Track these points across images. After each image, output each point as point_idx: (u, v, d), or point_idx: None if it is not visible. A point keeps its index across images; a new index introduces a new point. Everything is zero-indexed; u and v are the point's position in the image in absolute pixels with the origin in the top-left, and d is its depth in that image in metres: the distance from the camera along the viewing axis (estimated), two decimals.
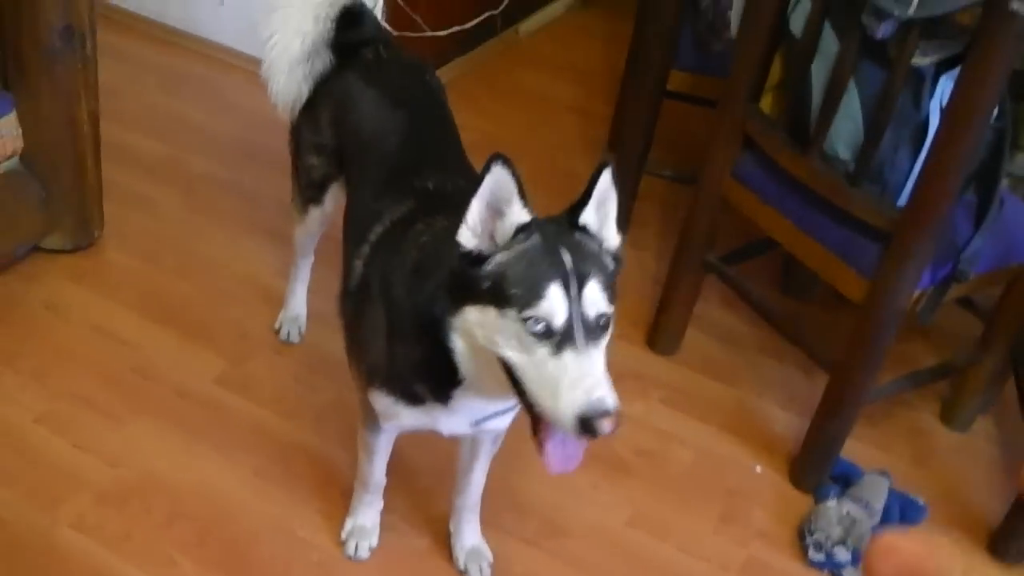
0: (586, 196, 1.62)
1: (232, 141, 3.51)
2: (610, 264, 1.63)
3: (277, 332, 2.75)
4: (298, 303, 2.75)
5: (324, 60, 2.29)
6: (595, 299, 1.54)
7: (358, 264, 1.96)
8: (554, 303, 1.51)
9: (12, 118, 2.67)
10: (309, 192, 2.43)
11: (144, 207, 3.15)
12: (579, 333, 1.51)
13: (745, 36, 2.46)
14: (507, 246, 1.58)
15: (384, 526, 2.28)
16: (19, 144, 2.71)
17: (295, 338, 2.74)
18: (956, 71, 2.10)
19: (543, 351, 1.52)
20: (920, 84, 2.24)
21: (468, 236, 1.60)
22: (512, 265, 1.56)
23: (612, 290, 1.58)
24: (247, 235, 3.09)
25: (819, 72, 2.30)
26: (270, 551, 2.24)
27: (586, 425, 1.48)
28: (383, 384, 1.87)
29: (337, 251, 2.77)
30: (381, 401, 1.90)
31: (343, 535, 2.26)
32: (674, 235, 2.84)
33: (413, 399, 1.84)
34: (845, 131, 2.30)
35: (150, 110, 3.60)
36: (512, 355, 1.55)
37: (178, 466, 2.39)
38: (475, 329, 1.60)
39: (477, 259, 1.59)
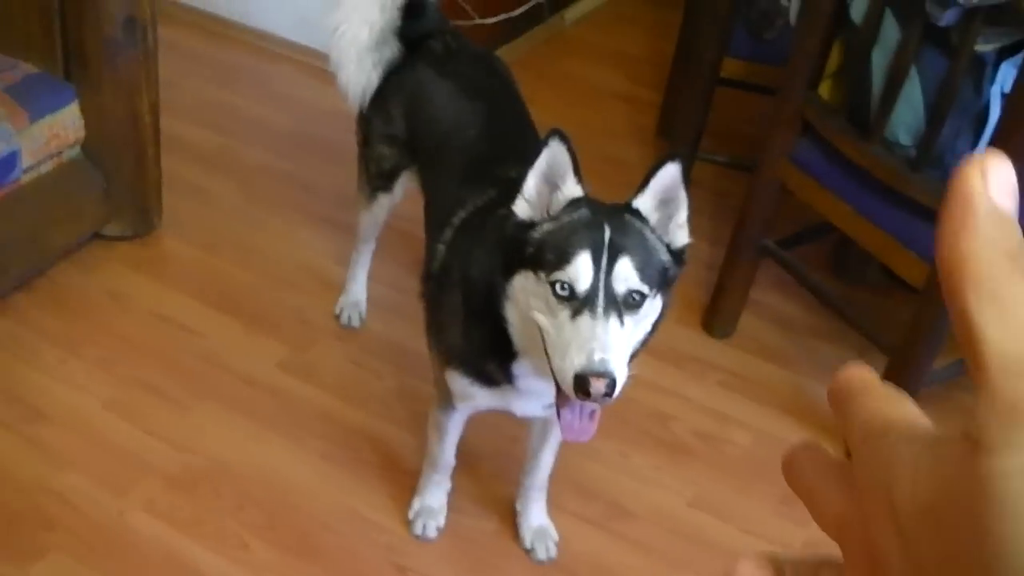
0: (644, 182, 1.66)
1: (286, 132, 3.55)
2: (662, 254, 1.66)
3: (338, 317, 2.78)
4: (358, 289, 2.79)
5: (393, 49, 2.33)
6: (626, 274, 1.58)
7: (440, 248, 2.00)
8: (580, 269, 1.57)
9: (74, 108, 2.71)
10: (378, 181, 2.46)
11: (201, 197, 3.19)
12: (601, 302, 1.56)
13: (805, 23, 2.47)
14: (556, 217, 1.65)
15: (451, 507, 2.31)
16: (81, 134, 2.75)
17: (355, 323, 2.77)
18: (1018, 57, 2.12)
19: (564, 314, 1.57)
20: (981, 70, 2.25)
21: (524, 207, 1.68)
22: (554, 233, 1.63)
23: (656, 276, 1.62)
24: (303, 224, 3.12)
25: (880, 59, 2.32)
26: (339, 534, 2.28)
27: (581, 383, 1.52)
28: (460, 364, 1.91)
29: (396, 239, 2.83)
30: (457, 382, 1.93)
31: (411, 515, 2.29)
32: (728, 221, 2.86)
33: (487, 380, 1.88)
34: (906, 117, 2.31)
35: (204, 102, 3.64)
36: (541, 318, 1.61)
37: (245, 451, 2.43)
38: (520, 296, 1.66)
39: (529, 227, 1.65)
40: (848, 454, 0.41)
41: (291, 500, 2.33)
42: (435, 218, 2.12)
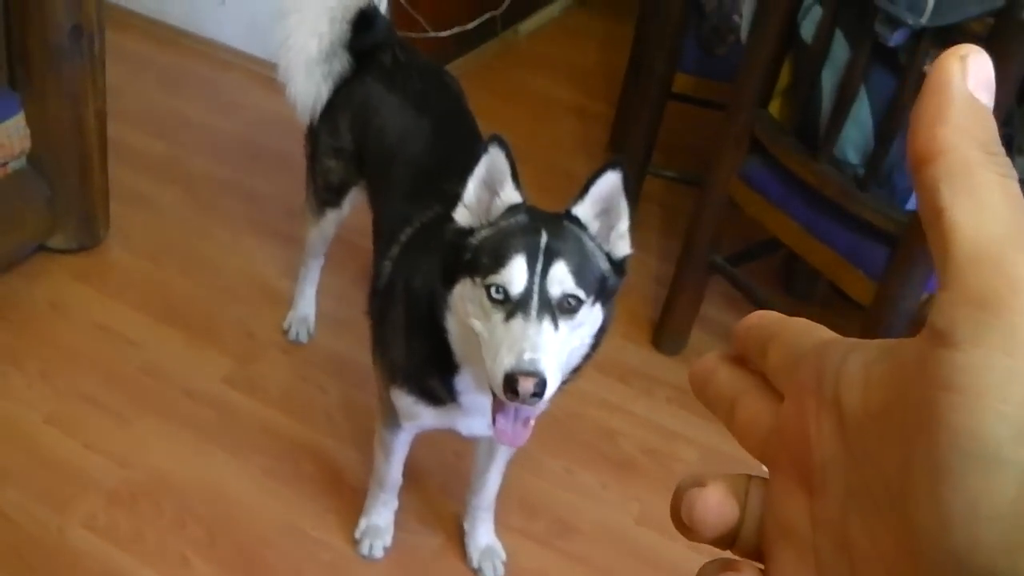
0: (584, 189, 1.65)
1: (233, 140, 3.52)
2: (600, 262, 1.65)
3: (286, 332, 2.75)
4: (307, 303, 2.76)
5: (342, 62, 2.31)
6: (561, 278, 1.57)
7: (387, 264, 1.99)
8: (515, 272, 1.56)
9: (20, 118, 2.67)
10: (326, 195, 2.44)
11: (147, 207, 3.15)
12: (534, 304, 1.55)
13: (755, 41, 2.47)
14: (494, 223, 1.65)
15: (396, 525, 2.29)
16: (27, 144, 2.70)
17: (303, 338, 2.75)
18: None
19: (498, 317, 1.57)
20: None
21: (463, 213, 1.67)
22: (491, 238, 1.63)
23: (593, 283, 1.61)
24: (250, 235, 3.10)
25: (829, 77, 2.32)
26: (282, 551, 2.25)
27: (510, 382, 1.51)
28: (404, 382, 1.89)
29: (345, 253, 2.81)
30: (402, 400, 1.92)
31: (357, 534, 2.27)
32: (677, 236, 2.86)
33: (431, 398, 1.87)
34: (854, 136, 2.32)
35: (151, 109, 3.60)
36: (477, 324, 1.60)
37: (188, 466, 2.39)
38: (458, 304, 1.65)
39: (468, 234, 1.65)
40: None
41: (233, 516, 2.30)
42: (383, 234, 2.11)
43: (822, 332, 0.41)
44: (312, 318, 2.77)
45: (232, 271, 2.96)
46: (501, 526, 2.30)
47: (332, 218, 2.49)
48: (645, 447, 2.62)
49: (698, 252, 2.74)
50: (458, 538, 2.30)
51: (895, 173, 2.31)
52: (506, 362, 1.53)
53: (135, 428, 2.47)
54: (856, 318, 2.40)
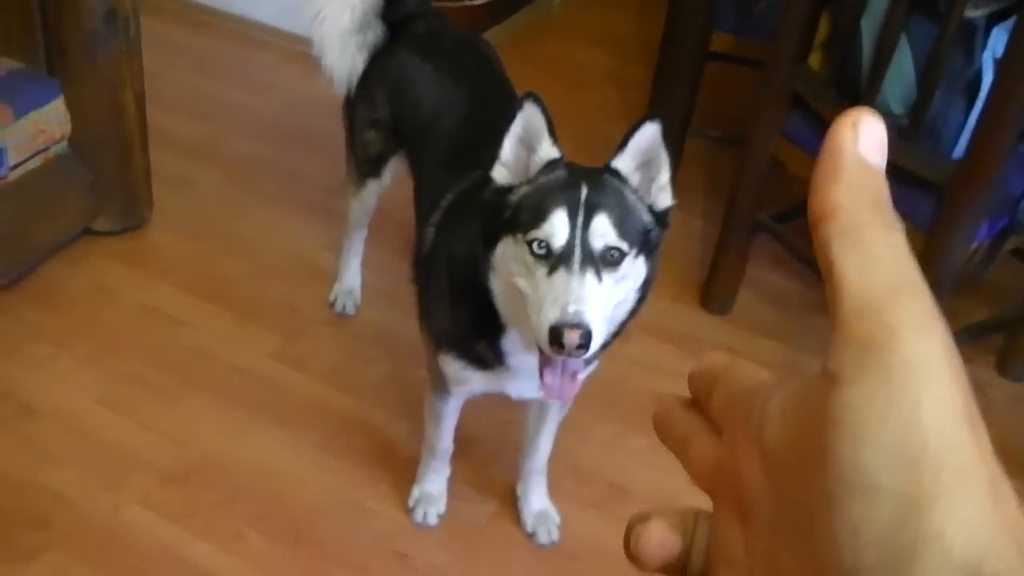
0: (623, 142, 1.65)
1: (270, 119, 3.52)
2: (642, 214, 1.65)
3: (332, 305, 2.76)
4: (352, 276, 2.76)
5: (376, 32, 2.30)
6: (603, 231, 1.57)
7: (430, 231, 1.99)
8: (556, 226, 1.56)
9: (59, 103, 2.68)
10: (366, 167, 2.45)
11: (188, 188, 3.17)
12: (577, 258, 1.55)
13: None
14: (532, 179, 1.65)
15: (450, 493, 2.29)
16: (67, 129, 2.72)
17: (350, 310, 2.75)
18: (1009, 22, 2.09)
19: (541, 272, 1.57)
20: (972, 36, 2.22)
21: (502, 172, 1.68)
22: (531, 195, 1.63)
23: (635, 235, 1.61)
24: (291, 212, 3.10)
25: (868, 28, 2.29)
26: (336, 522, 2.26)
27: (555, 335, 1.51)
28: (451, 347, 1.89)
29: (388, 226, 2.81)
30: (450, 365, 1.92)
31: (410, 503, 2.27)
32: (721, 197, 2.84)
33: (479, 362, 1.87)
34: (897, 86, 2.29)
35: (187, 91, 3.61)
36: (521, 282, 1.60)
37: (239, 442, 2.40)
38: (501, 263, 1.65)
39: (507, 192, 1.66)
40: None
41: (286, 490, 2.31)
42: (424, 201, 2.11)
43: (760, 374, 0.44)
44: (358, 290, 2.77)
45: (275, 248, 2.97)
46: (554, 492, 2.30)
47: (373, 189, 2.49)
48: None
49: (742, 211, 2.72)
50: (511, 504, 2.30)
51: (939, 122, 2.27)
52: (551, 315, 1.52)
53: (185, 407, 2.48)
54: None
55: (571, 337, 1.50)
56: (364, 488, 2.33)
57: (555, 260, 1.56)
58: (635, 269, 1.62)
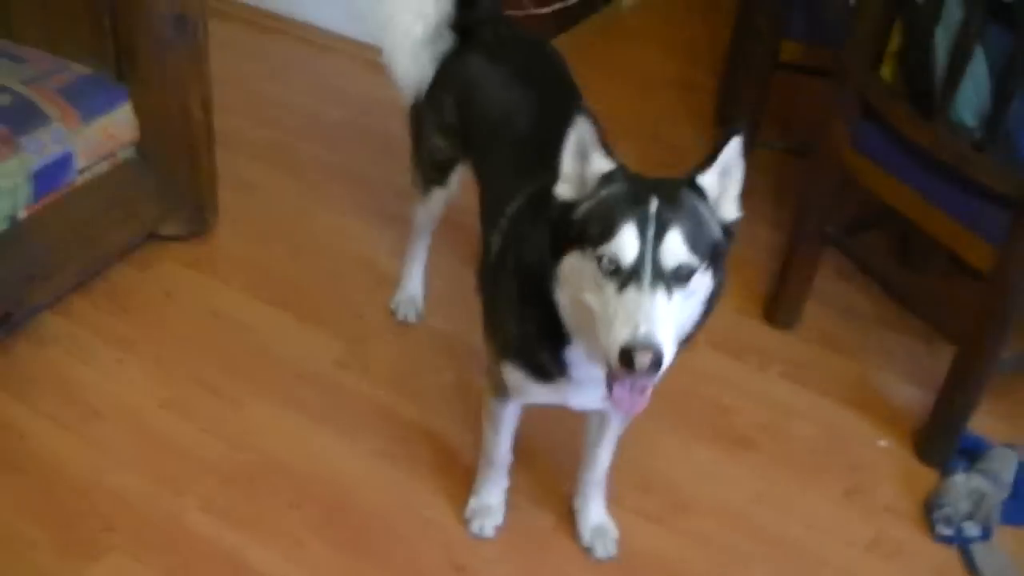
0: (711, 157, 1.62)
1: (337, 125, 3.54)
2: (714, 229, 1.62)
3: (394, 313, 2.76)
4: (415, 283, 2.76)
5: (447, 41, 2.30)
6: (675, 248, 1.54)
7: (496, 238, 1.97)
8: (626, 241, 1.54)
9: (127, 108, 2.71)
10: (433, 173, 2.44)
11: (254, 193, 3.18)
12: (647, 275, 1.53)
13: (865, 2, 2.40)
14: (592, 194, 1.63)
15: (508, 505, 2.28)
16: (135, 134, 2.75)
17: (412, 318, 2.75)
18: None
19: (611, 288, 1.55)
20: None
21: (564, 188, 1.67)
22: (595, 209, 1.61)
23: (706, 250, 1.58)
24: (357, 217, 3.11)
25: (943, 37, 2.25)
26: (395, 531, 2.25)
27: (626, 356, 1.50)
28: (515, 357, 1.88)
29: (452, 232, 2.80)
30: (512, 375, 1.91)
31: (467, 514, 2.26)
32: (789, 207, 2.81)
33: (542, 373, 1.85)
34: (971, 97, 2.24)
35: (255, 97, 3.63)
36: (590, 297, 1.59)
37: (300, 448, 2.41)
38: (568, 277, 1.64)
39: (571, 207, 1.64)
40: None
41: (347, 497, 2.31)
42: (490, 208, 2.09)
43: None
44: (420, 298, 2.77)
45: (340, 254, 2.97)
46: (615, 504, 2.28)
47: (439, 196, 2.48)
48: (760, 423, 2.57)
49: (811, 223, 2.68)
50: (570, 517, 2.28)
51: (1014, 133, 2.22)
52: (622, 335, 1.50)
53: (249, 411, 2.49)
54: (974, 289, 2.33)
55: (643, 359, 1.49)
56: (425, 497, 2.32)
57: (625, 277, 1.54)
58: (704, 282, 1.60)
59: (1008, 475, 2.42)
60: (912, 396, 2.66)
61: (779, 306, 2.84)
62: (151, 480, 2.31)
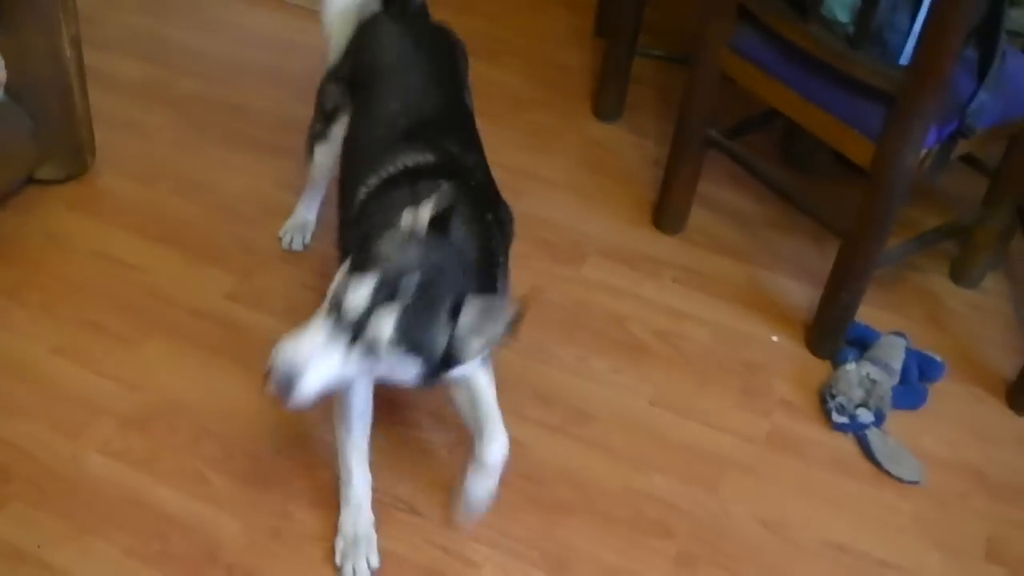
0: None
1: (217, 58, 3.47)
2: (439, 338, 1.69)
3: (280, 240, 2.74)
4: (306, 210, 2.74)
5: (373, 7, 2.41)
6: (384, 325, 1.65)
7: (362, 192, 1.99)
8: (362, 288, 1.68)
9: None
10: (318, 126, 2.47)
11: (134, 131, 3.12)
12: (343, 318, 1.71)
13: None
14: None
15: (410, 424, 2.29)
16: (3, 76, 2.66)
17: (298, 246, 2.73)
18: None
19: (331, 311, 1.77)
20: None
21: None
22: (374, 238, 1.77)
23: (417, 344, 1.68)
24: (243, 151, 3.06)
25: None
26: (294, 458, 2.24)
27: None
28: None
29: None
30: None
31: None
32: (671, 117, 2.82)
33: None
34: None
35: (131, 32, 3.54)
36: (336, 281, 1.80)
37: (198, 384, 2.38)
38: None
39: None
40: None
41: (247, 430, 2.29)
42: (360, 162, 2.10)
43: None
44: (311, 225, 2.75)
45: (227, 187, 2.93)
46: (516, 417, 2.28)
47: (323, 151, 2.48)
48: (655, 329, 2.61)
49: (693, 128, 2.70)
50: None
51: (886, 29, 2.26)
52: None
53: (143, 351, 2.45)
54: (857, 185, 2.37)
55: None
56: (323, 423, 2.31)
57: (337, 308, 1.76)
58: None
59: (897, 362, 2.48)
60: (802, 293, 2.71)
61: (666, 212, 2.87)
62: (46, 427, 2.27)
